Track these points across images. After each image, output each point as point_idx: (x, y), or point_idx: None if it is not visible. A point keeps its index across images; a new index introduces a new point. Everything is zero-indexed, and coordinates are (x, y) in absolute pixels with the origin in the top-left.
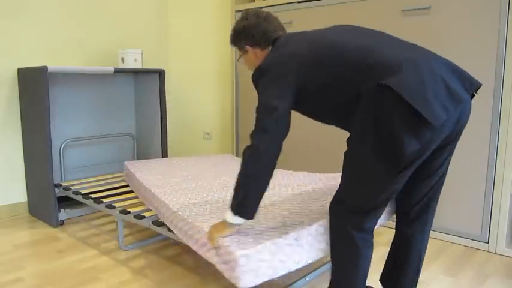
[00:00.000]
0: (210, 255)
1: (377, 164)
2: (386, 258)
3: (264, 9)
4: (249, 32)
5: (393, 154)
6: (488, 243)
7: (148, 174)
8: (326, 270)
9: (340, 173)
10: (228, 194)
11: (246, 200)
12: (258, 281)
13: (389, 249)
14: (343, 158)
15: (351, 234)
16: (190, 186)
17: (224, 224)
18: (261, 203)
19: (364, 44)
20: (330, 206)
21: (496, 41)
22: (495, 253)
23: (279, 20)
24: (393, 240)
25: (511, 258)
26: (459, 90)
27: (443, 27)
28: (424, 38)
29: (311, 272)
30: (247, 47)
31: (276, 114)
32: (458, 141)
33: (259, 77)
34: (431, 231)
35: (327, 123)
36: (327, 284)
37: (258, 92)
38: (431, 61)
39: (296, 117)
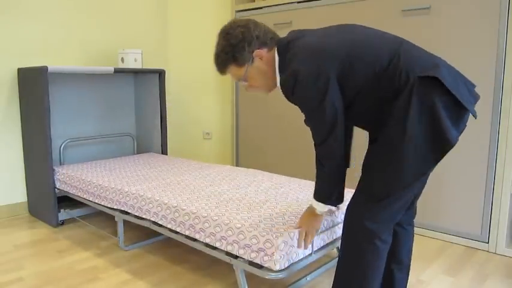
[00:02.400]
0: (232, 248)
1: (417, 154)
2: None
3: (264, 9)
4: (251, 35)
5: (437, 143)
6: (488, 243)
7: (101, 175)
8: (326, 270)
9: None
10: (205, 185)
11: (336, 192)
12: (287, 264)
13: None
14: (369, 154)
15: (376, 237)
16: (164, 182)
17: (317, 217)
18: (262, 200)
19: (397, 42)
20: (352, 211)
21: (496, 41)
22: (495, 253)
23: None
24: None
25: (511, 258)
26: (473, 91)
27: (443, 27)
28: (424, 38)
29: (312, 272)
30: (256, 52)
31: (340, 123)
32: (459, 141)
33: (295, 83)
34: (431, 231)
35: (358, 123)
36: (328, 284)
37: (299, 101)
38: (451, 66)
39: (290, 120)
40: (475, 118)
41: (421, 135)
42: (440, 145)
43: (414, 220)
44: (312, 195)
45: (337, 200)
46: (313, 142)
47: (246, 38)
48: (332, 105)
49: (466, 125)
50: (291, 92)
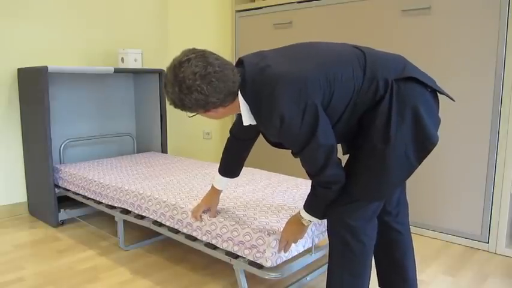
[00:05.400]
0: (227, 245)
1: (402, 160)
2: (378, 265)
3: (263, 9)
4: (206, 102)
5: (421, 145)
6: (488, 243)
7: (102, 174)
8: (326, 270)
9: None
10: (202, 184)
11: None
12: (279, 261)
13: (377, 254)
14: (352, 159)
15: (361, 233)
16: (163, 181)
17: (301, 228)
18: (259, 199)
19: (358, 52)
20: (333, 211)
21: (496, 41)
22: (495, 253)
23: (212, 55)
24: (383, 242)
25: (511, 258)
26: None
27: (443, 27)
28: (424, 38)
29: (311, 272)
30: (211, 111)
31: (335, 148)
32: (458, 141)
33: (281, 127)
34: (431, 231)
35: (342, 141)
36: None
37: (287, 140)
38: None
39: None
40: (454, 101)
41: (405, 140)
42: (424, 146)
43: (409, 219)
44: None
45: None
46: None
47: (200, 103)
48: (324, 134)
49: (440, 119)
50: (276, 134)
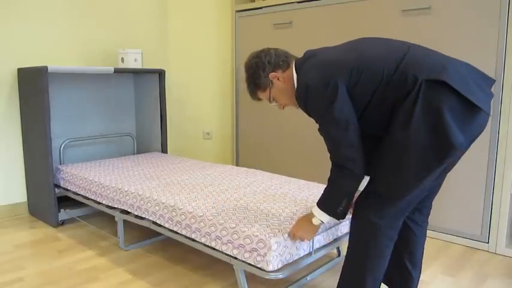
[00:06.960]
0: (226, 248)
1: (419, 156)
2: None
3: (263, 9)
4: (263, 62)
5: (439, 146)
6: (488, 243)
7: (104, 174)
8: (326, 270)
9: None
10: (207, 184)
11: (344, 203)
12: (281, 265)
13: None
14: (377, 153)
15: (380, 232)
16: (164, 182)
17: (314, 226)
18: (261, 202)
19: (404, 48)
20: (358, 205)
21: (496, 41)
22: (495, 253)
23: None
24: (400, 237)
25: (511, 258)
26: (485, 89)
27: (443, 27)
28: (424, 38)
29: (312, 272)
30: (271, 75)
31: (352, 129)
32: None
33: (306, 94)
34: (431, 231)
35: (371, 131)
36: (327, 284)
37: (311, 110)
38: (462, 64)
39: (289, 117)
40: (488, 115)
41: (423, 138)
42: (442, 148)
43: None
44: (310, 198)
45: (341, 213)
46: (317, 145)
47: (259, 65)
48: (341, 112)
49: (480, 129)
50: (303, 103)
